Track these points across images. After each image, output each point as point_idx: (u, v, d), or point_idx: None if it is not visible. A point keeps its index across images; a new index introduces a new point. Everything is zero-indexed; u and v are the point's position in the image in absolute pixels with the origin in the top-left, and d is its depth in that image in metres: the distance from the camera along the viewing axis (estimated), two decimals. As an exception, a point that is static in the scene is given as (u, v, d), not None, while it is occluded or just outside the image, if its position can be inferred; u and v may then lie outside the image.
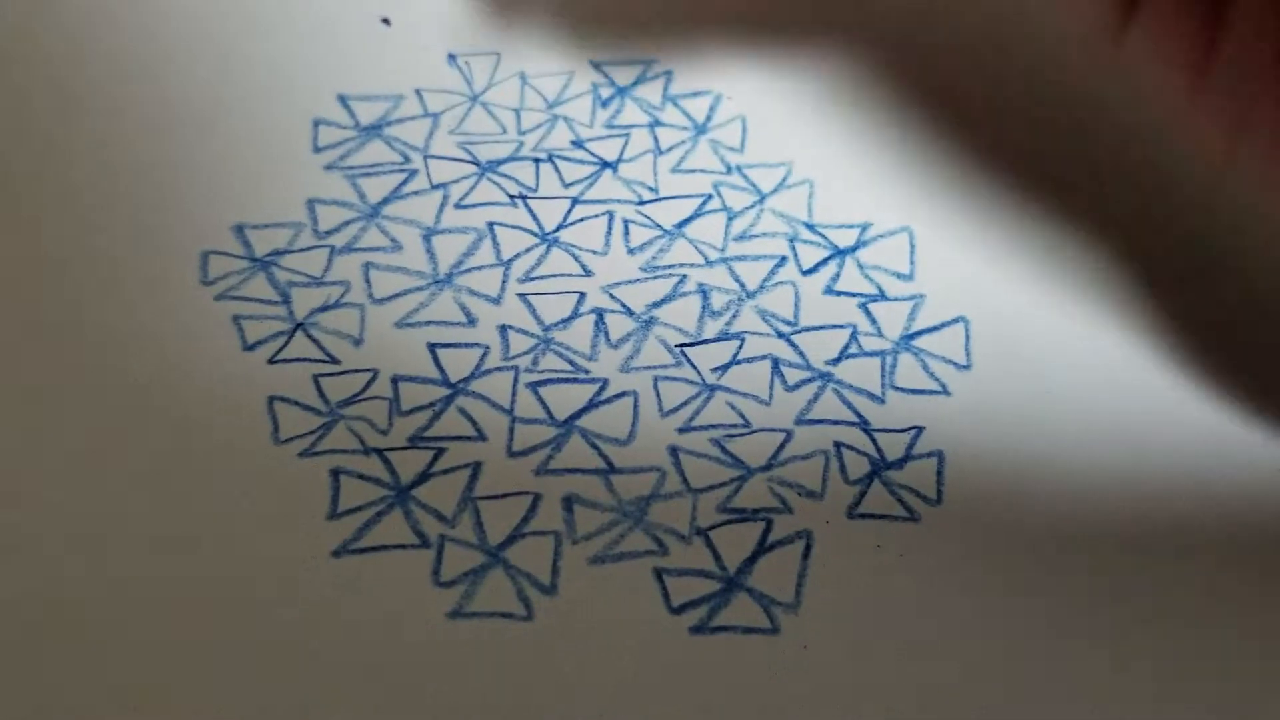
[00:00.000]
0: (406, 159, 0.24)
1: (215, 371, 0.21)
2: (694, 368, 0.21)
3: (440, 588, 0.18)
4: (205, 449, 0.20)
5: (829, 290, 0.23)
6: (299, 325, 0.22)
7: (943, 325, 0.22)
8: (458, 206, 0.24)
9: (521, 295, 0.22)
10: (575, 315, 0.22)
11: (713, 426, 0.21)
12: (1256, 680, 0.18)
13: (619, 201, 0.24)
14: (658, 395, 0.21)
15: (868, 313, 0.22)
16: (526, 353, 0.21)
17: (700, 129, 0.25)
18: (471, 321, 0.22)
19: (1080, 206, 0.24)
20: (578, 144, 0.25)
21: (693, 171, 0.25)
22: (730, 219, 0.24)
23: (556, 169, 0.24)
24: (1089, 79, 0.25)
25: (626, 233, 0.23)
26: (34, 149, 0.24)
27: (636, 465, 0.20)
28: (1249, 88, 0.17)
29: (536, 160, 0.25)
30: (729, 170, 0.25)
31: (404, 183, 0.24)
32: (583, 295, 0.22)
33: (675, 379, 0.21)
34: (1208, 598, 0.19)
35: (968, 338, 0.22)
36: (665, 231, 0.24)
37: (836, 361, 0.22)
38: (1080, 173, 0.24)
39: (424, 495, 0.20)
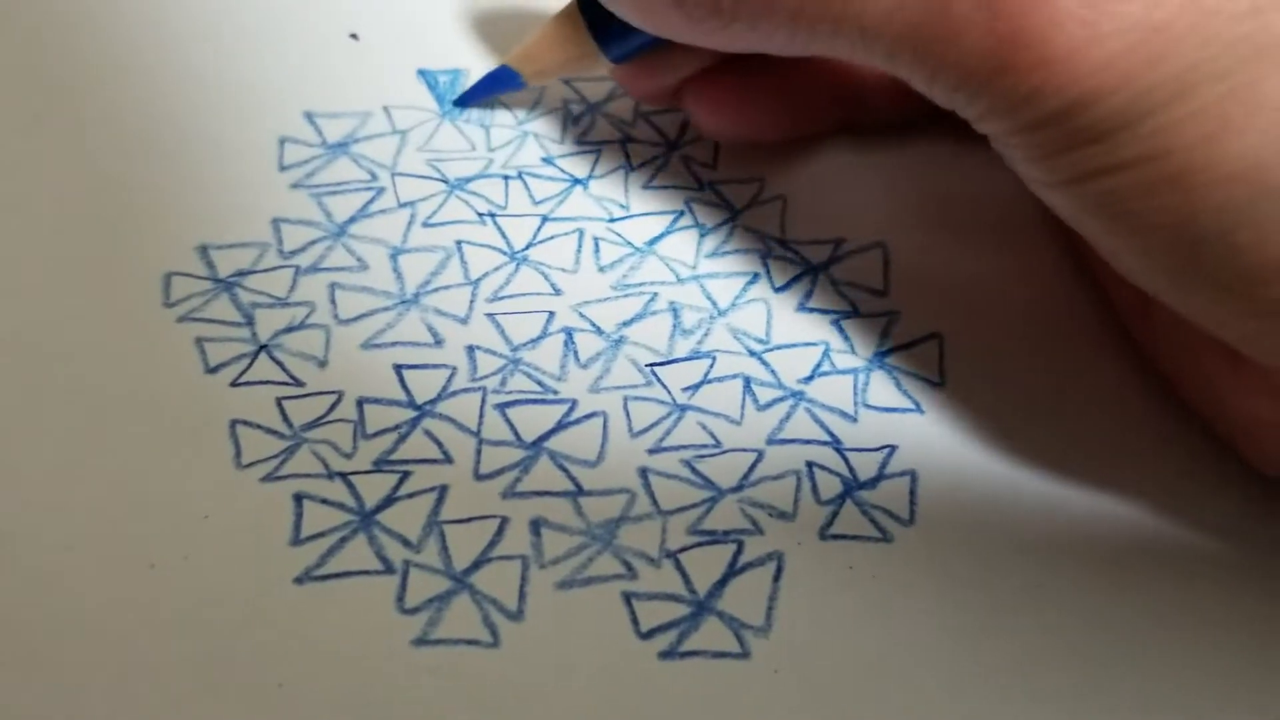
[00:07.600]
0: (374, 177, 0.24)
1: (177, 395, 0.20)
2: (664, 387, 0.21)
3: (405, 615, 0.18)
4: (166, 473, 0.19)
5: (802, 307, 0.23)
6: (263, 347, 0.21)
7: (916, 342, 0.22)
8: (425, 225, 0.23)
9: (490, 315, 0.22)
10: (544, 335, 0.22)
11: (683, 447, 0.20)
12: (1235, 702, 0.18)
13: (589, 219, 0.24)
14: (628, 416, 0.21)
15: (840, 330, 0.22)
16: (494, 373, 0.21)
17: (672, 145, 0.25)
18: (439, 342, 0.22)
19: (1056, 222, 0.23)
20: (548, 161, 0.25)
21: (664, 188, 0.24)
22: (702, 236, 0.24)
23: (526, 186, 0.24)
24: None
25: (597, 250, 0.23)
26: (-6, 169, 0.24)
27: (606, 487, 0.20)
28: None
29: (506, 177, 0.24)
30: (701, 187, 0.24)
31: (371, 201, 0.24)
32: (552, 314, 0.22)
33: (645, 399, 0.21)
34: (1184, 617, 0.19)
35: (941, 355, 0.22)
36: (636, 249, 0.23)
37: (809, 380, 0.21)
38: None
39: (389, 520, 0.19)
